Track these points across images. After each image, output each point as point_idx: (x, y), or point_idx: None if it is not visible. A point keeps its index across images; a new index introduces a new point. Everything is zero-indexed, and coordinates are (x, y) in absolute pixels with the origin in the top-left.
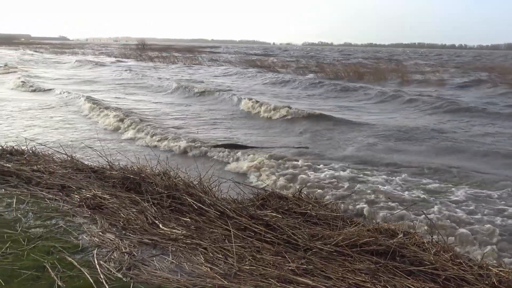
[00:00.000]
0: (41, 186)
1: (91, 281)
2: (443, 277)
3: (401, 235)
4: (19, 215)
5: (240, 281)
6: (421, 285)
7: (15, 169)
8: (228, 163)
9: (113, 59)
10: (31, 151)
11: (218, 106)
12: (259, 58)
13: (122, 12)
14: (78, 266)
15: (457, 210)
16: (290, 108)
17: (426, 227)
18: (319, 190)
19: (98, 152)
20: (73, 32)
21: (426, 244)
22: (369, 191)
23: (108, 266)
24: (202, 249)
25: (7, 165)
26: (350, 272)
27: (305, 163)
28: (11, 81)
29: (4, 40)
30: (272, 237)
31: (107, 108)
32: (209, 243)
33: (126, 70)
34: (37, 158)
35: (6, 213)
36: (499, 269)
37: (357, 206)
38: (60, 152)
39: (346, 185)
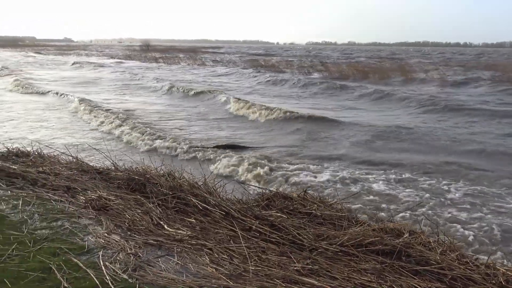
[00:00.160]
0: (47, 187)
1: (97, 282)
2: (450, 276)
3: (406, 235)
4: (25, 217)
5: (246, 281)
6: (428, 285)
7: (21, 170)
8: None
9: (116, 60)
10: (36, 153)
11: (210, 108)
12: (262, 58)
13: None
14: (84, 267)
15: (457, 209)
16: (286, 110)
17: (430, 227)
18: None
19: (103, 154)
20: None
21: (432, 244)
22: (370, 191)
23: (113, 267)
24: (207, 250)
25: (13, 166)
26: (355, 272)
27: (297, 165)
28: (6, 84)
29: (9, 43)
30: (277, 238)
31: (98, 109)
32: (214, 244)
33: (124, 71)
34: (43, 160)
35: (13, 214)
36: (506, 268)
37: (357, 206)
38: (66, 154)
39: (339, 185)
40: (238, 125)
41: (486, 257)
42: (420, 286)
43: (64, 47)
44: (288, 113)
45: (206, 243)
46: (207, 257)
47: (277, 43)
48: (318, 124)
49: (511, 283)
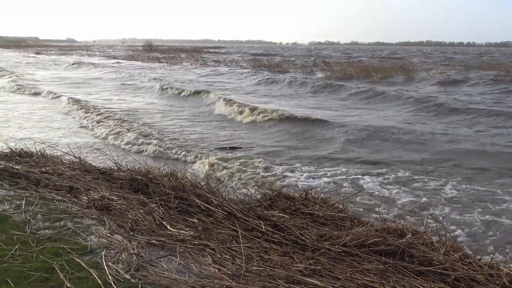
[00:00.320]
0: (50, 187)
1: (100, 282)
2: (453, 277)
3: (409, 235)
4: (28, 217)
5: (248, 282)
6: (431, 286)
7: (24, 171)
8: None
9: (118, 60)
10: (39, 153)
11: (199, 110)
12: (263, 58)
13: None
14: (86, 267)
15: (457, 209)
16: (275, 110)
17: (434, 227)
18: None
19: (106, 154)
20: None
21: (435, 244)
22: (370, 192)
23: (116, 267)
24: (209, 250)
25: (16, 167)
26: (358, 272)
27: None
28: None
29: (12, 43)
30: (280, 238)
31: (85, 107)
32: (217, 244)
33: (121, 72)
34: (46, 160)
35: (16, 215)
36: (510, 268)
37: (357, 206)
38: (69, 154)
39: (335, 185)
40: (227, 125)
41: (489, 258)
42: (423, 286)
43: (67, 48)
44: (280, 114)
45: (209, 243)
46: (209, 257)
47: (280, 43)
48: (316, 124)
49: None
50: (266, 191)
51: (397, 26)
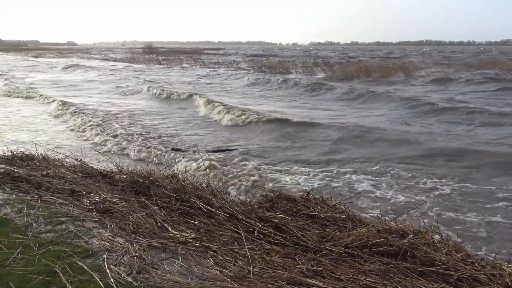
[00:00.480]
0: (51, 191)
1: (102, 285)
2: (455, 277)
3: (411, 235)
4: (30, 220)
5: (250, 283)
6: (433, 286)
7: (26, 174)
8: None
9: (116, 63)
10: (41, 156)
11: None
12: (263, 59)
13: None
14: (88, 270)
15: (458, 209)
16: (259, 111)
17: (435, 226)
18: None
19: (107, 157)
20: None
21: (437, 244)
22: (369, 191)
23: (118, 270)
24: (211, 252)
25: (18, 170)
26: (360, 273)
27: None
28: None
29: (12, 47)
30: (282, 239)
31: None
32: (219, 246)
33: (118, 74)
34: (47, 163)
35: (18, 218)
36: None
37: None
38: (70, 157)
39: (321, 185)
40: (214, 128)
41: (491, 257)
42: (425, 287)
43: (66, 50)
44: (266, 116)
45: (210, 245)
46: (211, 259)
47: (280, 44)
48: (306, 126)
49: None
50: (267, 192)
51: (397, 26)
